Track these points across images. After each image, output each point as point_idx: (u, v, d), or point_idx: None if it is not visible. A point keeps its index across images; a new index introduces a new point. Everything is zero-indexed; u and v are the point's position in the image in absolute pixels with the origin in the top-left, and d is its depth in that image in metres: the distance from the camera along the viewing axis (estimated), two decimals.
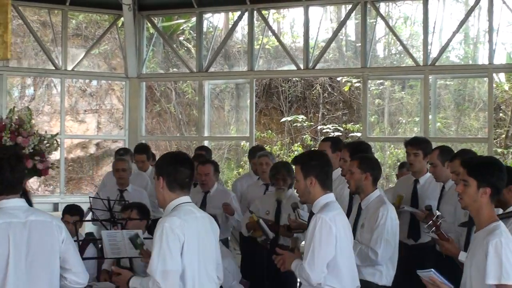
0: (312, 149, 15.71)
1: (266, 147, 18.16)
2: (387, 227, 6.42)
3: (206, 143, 15.05)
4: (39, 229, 4.70)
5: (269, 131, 20.41)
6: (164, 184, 5.11)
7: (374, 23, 15.39)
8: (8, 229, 4.58)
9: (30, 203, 9.63)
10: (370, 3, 13.84)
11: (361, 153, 7.07)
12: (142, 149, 11.46)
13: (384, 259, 6.46)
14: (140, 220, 7.73)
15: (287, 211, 8.39)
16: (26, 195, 9.78)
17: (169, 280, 4.81)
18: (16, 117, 8.27)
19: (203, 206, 9.05)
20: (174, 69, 19.73)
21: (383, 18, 14.70)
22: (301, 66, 14.41)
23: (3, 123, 8.06)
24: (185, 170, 5.13)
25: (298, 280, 6.11)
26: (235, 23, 16.07)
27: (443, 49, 14.01)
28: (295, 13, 21.35)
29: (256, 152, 10.56)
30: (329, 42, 15.02)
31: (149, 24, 15.76)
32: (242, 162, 20.16)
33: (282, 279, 8.17)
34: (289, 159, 18.86)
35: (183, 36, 21.31)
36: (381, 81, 19.47)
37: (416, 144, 8.40)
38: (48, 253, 4.72)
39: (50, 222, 4.80)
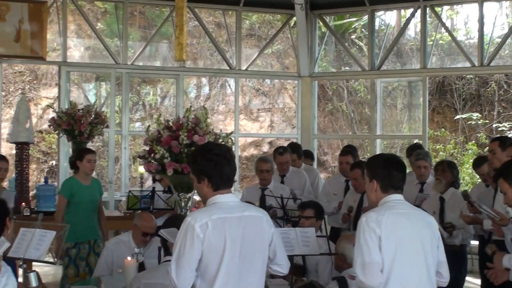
0: None
1: (439, 146, 17.91)
2: None
3: (378, 141, 15.00)
4: (252, 224, 4.83)
5: (443, 129, 20.09)
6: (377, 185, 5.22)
7: None
8: (224, 224, 4.70)
9: None
10: None
11: None
12: (295, 148, 11.54)
13: None
14: (315, 219, 7.80)
15: (451, 209, 8.34)
16: None
17: (367, 272, 4.89)
18: (193, 116, 8.46)
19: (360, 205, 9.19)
20: (346, 68, 19.73)
21: None
22: (476, 63, 14.12)
23: (181, 122, 8.28)
24: (400, 173, 5.22)
25: None
26: (408, 20, 15.92)
27: None
28: (469, 9, 20.93)
29: (412, 151, 10.48)
30: (504, 38, 14.62)
31: (321, 23, 15.84)
32: None
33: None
34: (463, 158, 18.56)
35: (355, 34, 21.28)
36: None
37: None
38: (259, 247, 4.85)
39: (261, 217, 4.93)
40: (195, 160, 4.92)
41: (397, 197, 5.17)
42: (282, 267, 5.07)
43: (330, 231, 9.64)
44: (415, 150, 10.37)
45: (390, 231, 4.94)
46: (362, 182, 9.12)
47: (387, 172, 5.17)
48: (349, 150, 10.61)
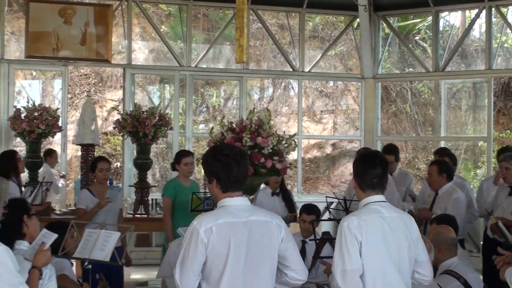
0: None
1: None
2: None
3: (442, 143, 14.85)
4: (259, 229, 4.78)
5: (508, 131, 19.83)
6: (356, 184, 5.21)
7: None
8: (230, 229, 4.68)
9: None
10: None
11: None
12: (391, 150, 11.32)
13: None
14: None
15: None
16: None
17: (347, 279, 4.86)
18: (256, 118, 8.49)
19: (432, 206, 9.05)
20: (410, 69, 19.59)
21: None
22: None
23: (244, 124, 8.32)
24: (375, 170, 5.14)
25: None
26: (473, 21, 15.76)
27: None
28: None
29: (501, 153, 10.30)
30: None
31: (384, 24, 15.76)
32: (479, 163, 19.72)
33: None
34: None
35: (419, 35, 21.12)
36: None
37: None
38: (267, 252, 4.80)
39: (270, 221, 4.85)
40: (206, 160, 4.92)
41: (378, 198, 5.11)
42: (298, 273, 4.93)
43: None
44: (503, 152, 10.22)
45: (371, 237, 4.91)
46: (437, 178, 9.10)
47: (361, 169, 5.15)
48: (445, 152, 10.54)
